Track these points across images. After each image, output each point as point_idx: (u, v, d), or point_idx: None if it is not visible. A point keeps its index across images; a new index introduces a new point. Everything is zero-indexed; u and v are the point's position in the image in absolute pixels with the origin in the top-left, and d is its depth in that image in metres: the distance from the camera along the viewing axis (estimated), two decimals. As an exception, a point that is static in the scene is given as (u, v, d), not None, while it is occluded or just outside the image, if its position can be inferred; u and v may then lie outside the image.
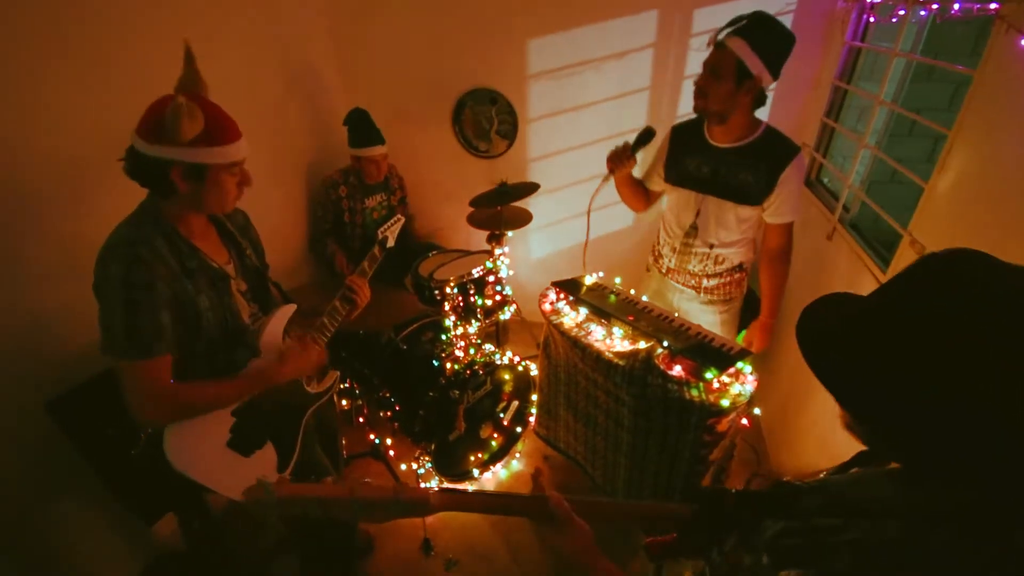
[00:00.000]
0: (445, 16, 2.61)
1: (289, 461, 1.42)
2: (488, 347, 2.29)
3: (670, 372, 1.58)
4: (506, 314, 2.70)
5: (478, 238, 2.92)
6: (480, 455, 2.36)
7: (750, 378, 1.56)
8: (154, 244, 1.11)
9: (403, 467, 2.34)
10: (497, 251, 2.38)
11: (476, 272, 2.24)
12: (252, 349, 1.31)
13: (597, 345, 1.75)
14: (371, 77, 2.83)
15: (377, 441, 2.35)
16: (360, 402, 2.50)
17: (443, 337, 2.30)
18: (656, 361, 1.60)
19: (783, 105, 2.46)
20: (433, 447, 2.14)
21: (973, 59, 1.44)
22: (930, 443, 0.48)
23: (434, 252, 2.66)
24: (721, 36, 1.50)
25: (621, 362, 1.65)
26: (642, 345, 1.69)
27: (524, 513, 0.76)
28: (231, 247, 1.33)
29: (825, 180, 2.42)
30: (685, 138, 1.76)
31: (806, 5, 2.29)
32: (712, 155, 1.67)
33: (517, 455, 2.48)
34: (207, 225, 1.27)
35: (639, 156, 1.77)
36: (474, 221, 2.64)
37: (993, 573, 0.44)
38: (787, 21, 2.33)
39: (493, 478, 2.41)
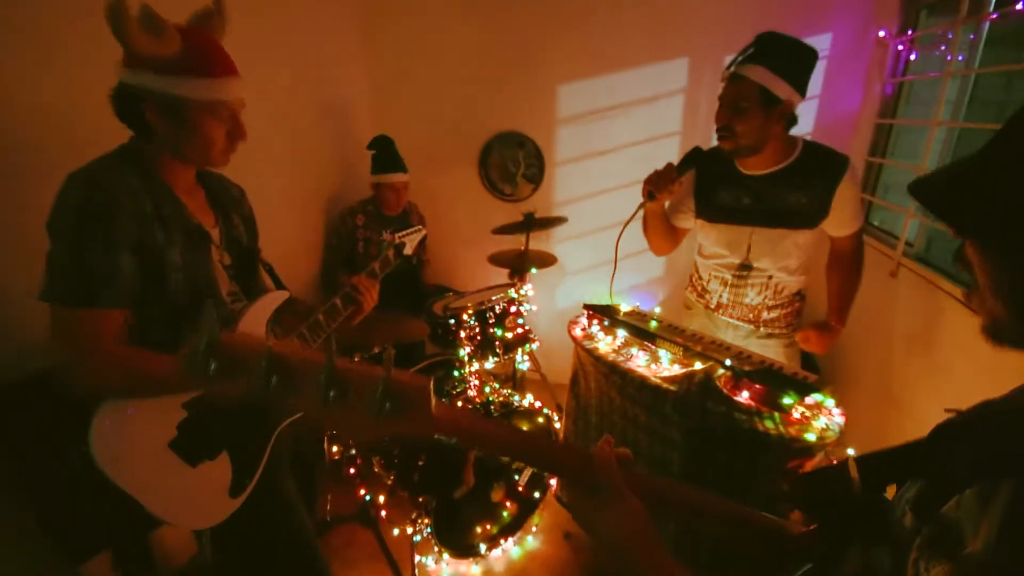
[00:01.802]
0: (478, 60, 2.68)
1: (246, 483, 1.11)
2: (505, 391, 2.00)
3: (736, 398, 1.28)
4: (524, 362, 2.43)
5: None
6: (489, 526, 1.95)
7: (836, 411, 1.25)
8: (125, 176, 0.93)
9: (396, 532, 1.93)
10: (523, 288, 2.18)
11: (496, 300, 2.02)
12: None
13: (640, 371, 1.47)
14: (401, 114, 2.85)
15: (368, 498, 1.97)
16: (352, 451, 2.15)
17: (455, 374, 2.02)
18: (717, 383, 1.31)
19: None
20: (434, 505, 1.76)
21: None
22: None
23: (450, 294, 2.48)
24: (735, 68, 1.40)
25: (672, 387, 1.36)
26: (698, 367, 1.40)
27: (554, 467, 0.55)
28: (219, 214, 1.14)
29: (876, 223, 2.25)
30: (713, 169, 1.60)
31: (840, 48, 2.29)
32: (750, 184, 1.53)
33: (533, 529, 2.06)
34: (195, 185, 1.10)
35: (682, 180, 1.62)
36: (496, 260, 2.49)
37: None
38: (821, 65, 2.32)
39: (503, 556, 1.97)
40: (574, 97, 2.64)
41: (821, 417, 1.23)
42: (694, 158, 1.56)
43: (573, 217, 2.80)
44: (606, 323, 1.70)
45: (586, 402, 1.72)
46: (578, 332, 1.72)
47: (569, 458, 0.55)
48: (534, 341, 2.15)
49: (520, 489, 1.99)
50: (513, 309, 2.04)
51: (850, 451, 1.23)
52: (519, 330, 2.05)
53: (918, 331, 1.77)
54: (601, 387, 1.62)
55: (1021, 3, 1.46)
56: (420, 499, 1.78)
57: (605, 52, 2.54)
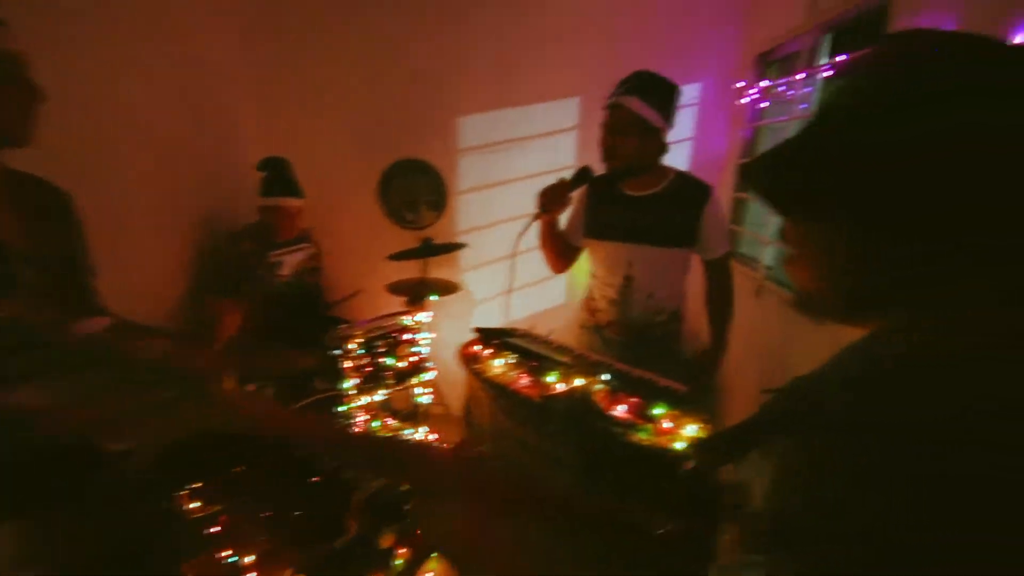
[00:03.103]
0: (381, 86, 2.67)
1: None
2: (395, 422, 1.89)
3: (612, 412, 1.30)
4: (426, 396, 2.33)
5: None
6: (379, 577, 1.78)
7: (703, 417, 1.30)
8: None
9: (267, 594, 1.69)
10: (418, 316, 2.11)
11: (387, 328, 1.93)
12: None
13: (526, 391, 1.45)
14: (296, 135, 2.73)
15: (234, 559, 1.72)
16: (219, 507, 1.89)
17: (341, 409, 1.88)
18: (595, 399, 1.32)
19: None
20: (311, 559, 1.58)
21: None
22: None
23: (344, 324, 2.34)
24: (615, 98, 1.57)
25: (556, 405, 1.35)
26: (578, 383, 1.41)
27: (393, 467, 0.51)
28: (26, 221, 0.98)
29: (743, 251, 2.48)
30: (601, 191, 1.75)
31: (709, 96, 2.56)
32: (633, 205, 1.67)
33: None
34: None
35: (573, 196, 1.71)
36: (395, 289, 2.42)
37: None
38: (693, 112, 2.59)
39: (395, 610, 1.80)
40: (476, 128, 2.70)
41: (690, 425, 1.27)
42: (585, 175, 1.66)
43: (479, 245, 2.81)
44: (496, 346, 1.68)
45: (480, 431, 1.67)
46: (470, 356, 1.68)
47: (409, 453, 0.50)
48: (430, 370, 2.07)
49: (416, 531, 1.85)
50: (406, 337, 1.96)
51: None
52: (413, 359, 1.97)
53: (778, 342, 1.94)
54: (492, 412, 1.58)
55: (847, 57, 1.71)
56: (296, 555, 1.59)
57: (505, 88, 2.65)
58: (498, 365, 1.61)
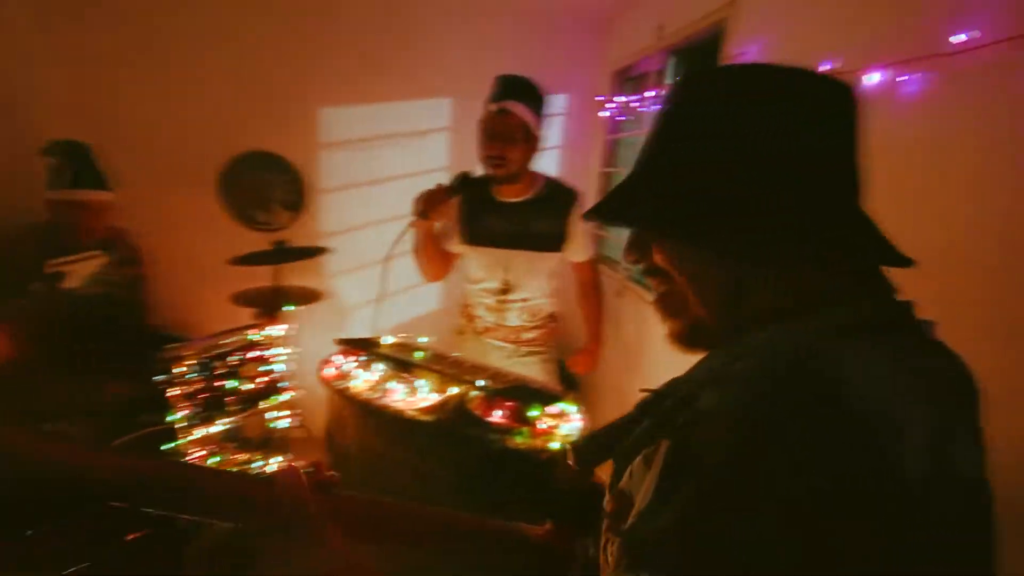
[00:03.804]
0: (225, 64, 2.32)
1: None
2: (244, 454, 1.62)
3: (489, 419, 1.25)
4: (283, 420, 2.05)
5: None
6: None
7: (577, 416, 1.32)
8: None
9: None
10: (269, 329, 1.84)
11: (227, 345, 1.65)
12: None
13: (397, 405, 1.33)
14: (111, 117, 2.26)
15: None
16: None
17: (170, 445, 1.55)
18: (470, 407, 1.26)
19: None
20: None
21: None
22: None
23: (181, 343, 1.96)
24: (502, 103, 1.52)
25: (428, 418, 1.26)
26: (453, 392, 1.34)
27: (215, 505, 0.42)
28: None
29: (604, 254, 2.64)
30: (475, 197, 1.69)
31: (575, 107, 2.69)
32: (508, 211, 1.65)
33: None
34: None
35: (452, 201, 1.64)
36: (243, 299, 2.10)
37: None
38: (562, 122, 2.69)
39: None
40: (340, 121, 2.49)
41: (563, 425, 1.28)
42: (464, 182, 1.59)
43: (347, 249, 2.59)
44: (363, 358, 1.53)
45: (345, 453, 1.50)
46: (331, 372, 1.51)
47: (235, 487, 0.40)
48: (286, 390, 1.82)
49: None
50: (254, 355, 1.69)
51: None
52: (263, 379, 1.71)
53: (639, 338, 2.09)
54: (359, 432, 1.43)
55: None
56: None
57: (371, 82, 2.48)
58: (365, 379, 1.46)
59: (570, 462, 0.57)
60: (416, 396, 1.37)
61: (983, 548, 0.34)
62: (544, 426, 1.25)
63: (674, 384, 0.49)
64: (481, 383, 1.31)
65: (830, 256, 0.44)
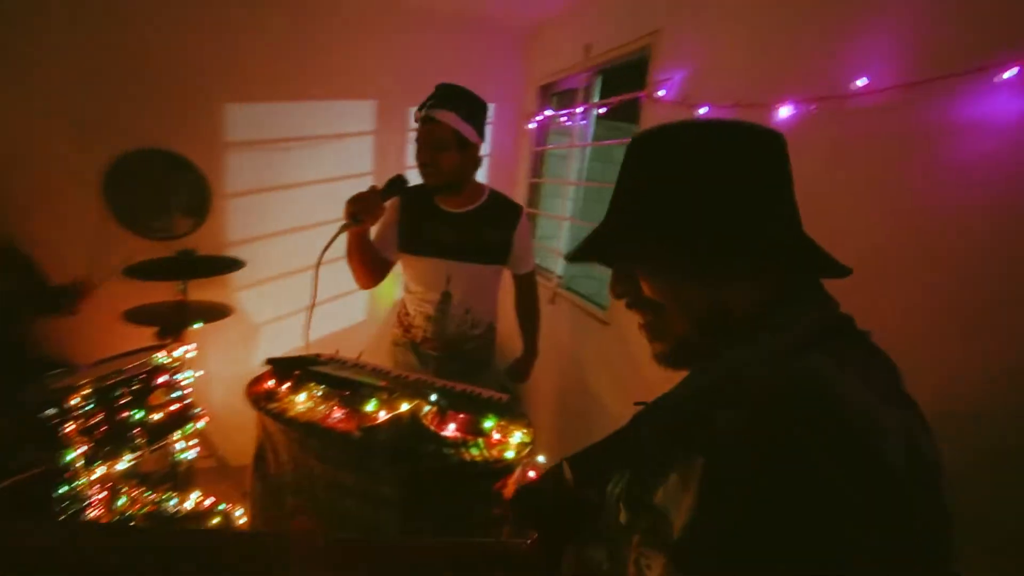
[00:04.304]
0: (107, 46, 2.03)
1: None
2: (154, 496, 1.43)
3: (443, 433, 1.23)
4: (190, 451, 1.84)
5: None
6: None
7: (525, 423, 1.34)
8: None
9: None
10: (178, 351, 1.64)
11: (131, 371, 1.44)
12: None
13: (343, 427, 1.26)
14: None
15: None
16: None
17: (63, 489, 1.32)
18: (424, 422, 1.23)
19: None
20: None
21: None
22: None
23: (63, 370, 1.67)
24: (429, 111, 1.52)
25: (379, 437, 1.21)
26: (404, 408, 1.29)
27: None
28: None
29: (537, 261, 2.72)
30: (417, 206, 1.67)
31: (502, 118, 2.72)
32: (450, 221, 1.64)
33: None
34: None
35: (387, 206, 1.57)
36: (138, 317, 1.86)
37: None
38: (489, 131, 2.71)
39: None
40: (249, 119, 2.29)
41: (516, 433, 1.29)
42: (399, 186, 1.53)
43: (256, 260, 2.38)
44: (299, 376, 1.42)
45: (279, 482, 1.38)
46: (262, 394, 1.38)
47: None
48: (201, 418, 1.64)
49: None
50: (162, 380, 1.50)
51: (540, 458, 1.36)
52: (173, 407, 1.52)
53: (572, 344, 2.18)
54: (297, 458, 1.33)
55: (621, 97, 1.99)
56: None
57: (286, 78, 2.32)
58: (302, 401, 1.36)
59: (568, 477, 0.59)
60: (363, 415, 1.30)
61: (947, 515, 0.41)
62: (498, 436, 1.26)
63: (669, 399, 0.54)
64: (434, 397, 1.28)
65: (789, 269, 0.52)
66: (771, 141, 0.54)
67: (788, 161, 0.54)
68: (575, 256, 0.60)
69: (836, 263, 0.53)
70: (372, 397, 1.35)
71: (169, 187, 2.18)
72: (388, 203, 1.60)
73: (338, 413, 1.32)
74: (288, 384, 1.42)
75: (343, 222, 1.45)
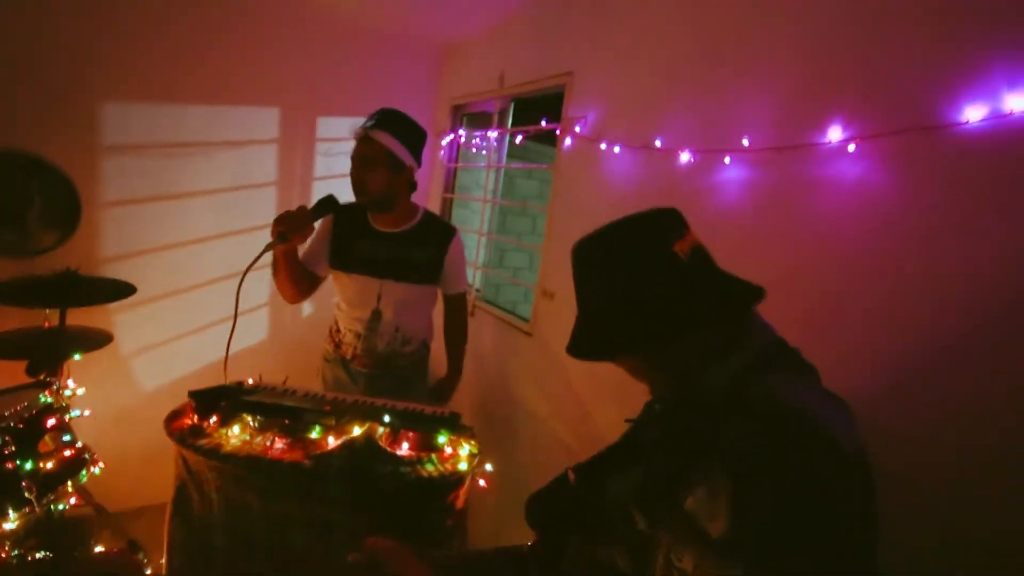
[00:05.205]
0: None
1: None
2: (39, 554, 1.24)
3: (398, 452, 1.26)
4: (67, 500, 1.60)
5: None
6: None
7: (470, 435, 1.43)
8: None
9: None
10: (57, 385, 1.42)
11: (13, 414, 1.24)
12: None
13: (290, 457, 1.23)
14: None
15: None
16: None
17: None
18: (380, 443, 1.26)
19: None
20: None
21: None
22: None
23: None
24: (365, 130, 1.55)
25: (334, 462, 1.21)
26: (356, 432, 1.30)
27: None
28: None
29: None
30: (351, 223, 1.68)
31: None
32: (383, 240, 1.67)
33: None
34: None
35: (316, 225, 1.54)
36: (3, 348, 1.58)
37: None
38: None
39: None
40: (131, 121, 2.04)
41: (465, 445, 1.37)
42: (330, 205, 1.53)
43: (137, 277, 2.10)
44: (226, 410, 1.34)
45: (206, 523, 1.29)
46: (183, 432, 1.28)
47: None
48: (96, 463, 1.43)
49: None
50: (51, 423, 1.30)
51: (488, 466, 1.44)
52: (67, 453, 1.33)
53: (493, 354, 2.29)
54: (231, 496, 1.26)
55: (545, 122, 2.13)
56: None
57: (176, 78, 2.10)
58: (235, 434, 1.29)
59: (574, 484, 0.70)
60: (308, 442, 1.28)
61: (874, 487, 0.59)
62: (450, 450, 1.33)
63: (662, 410, 0.67)
64: (387, 418, 1.31)
65: (730, 306, 0.67)
66: (676, 218, 0.67)
67: (689, 228, 0.68)
68: (572, 354, 0.71)
69: (754, 287, 0.67)
70: (315, 423, 1.33)
71: (25, 194, 1.85)
72: (320, 227, 1.58)
73: (280, 443, 1.28)
74: (215, 418, 1.33)
75: (257, 237, 1.41)
